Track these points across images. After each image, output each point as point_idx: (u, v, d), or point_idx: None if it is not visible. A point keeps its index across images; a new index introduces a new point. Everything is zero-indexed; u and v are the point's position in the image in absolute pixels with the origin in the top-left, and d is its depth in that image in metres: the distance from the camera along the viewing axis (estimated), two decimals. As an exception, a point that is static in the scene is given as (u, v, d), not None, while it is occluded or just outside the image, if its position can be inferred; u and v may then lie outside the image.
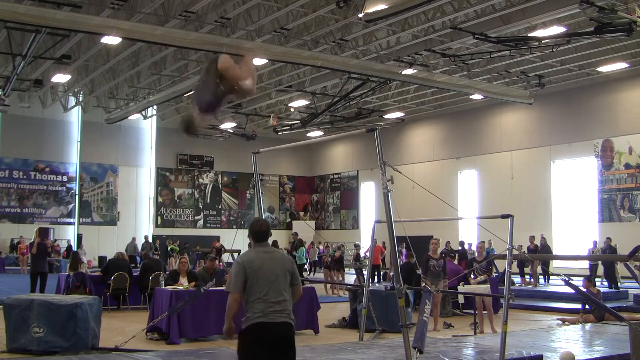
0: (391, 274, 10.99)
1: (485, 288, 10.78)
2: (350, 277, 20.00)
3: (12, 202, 29.25)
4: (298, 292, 4.86)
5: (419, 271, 12.64)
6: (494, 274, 16.47)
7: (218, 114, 5.15)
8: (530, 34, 17.88)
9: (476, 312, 10.71)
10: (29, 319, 7.94)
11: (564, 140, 24.77)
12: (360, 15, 14.93)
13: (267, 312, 4.55)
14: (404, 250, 20.28)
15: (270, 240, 5.02)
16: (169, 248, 27.33)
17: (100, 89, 26.90)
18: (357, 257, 21.33)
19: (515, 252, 9.48)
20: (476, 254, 12.90)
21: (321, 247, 28.36)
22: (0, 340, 8.36)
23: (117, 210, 31.37)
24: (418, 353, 6.84)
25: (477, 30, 17.41)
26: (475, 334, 10.28)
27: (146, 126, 32.67)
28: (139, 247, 27.35)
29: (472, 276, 11.14)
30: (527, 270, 21.15)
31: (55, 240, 28.47)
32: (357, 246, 24.80)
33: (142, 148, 32.56)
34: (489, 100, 25.63)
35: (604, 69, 21.72)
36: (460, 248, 20.43)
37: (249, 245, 5.11)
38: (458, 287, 11.31)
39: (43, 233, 15.14)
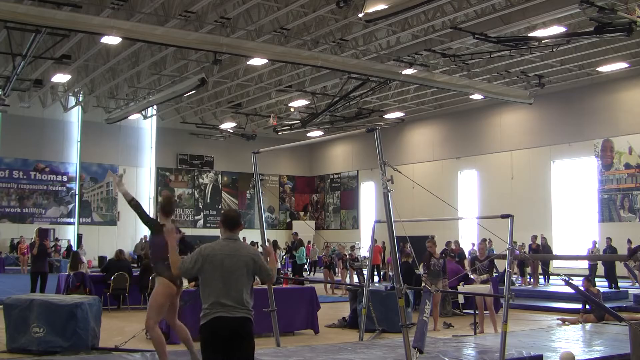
0: (391, 274, 11.00)
1: (487, 288, 10.77)
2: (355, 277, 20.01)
3: (12, 202, 29.25)
4: (268, 280, 5.09)
5: (419, 271, 12.65)
6: (494, 274, 16.48)
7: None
8: (530, 34, 17.87)
9: (476, 312, 10.71)
10: (29, 319, 7.94)
11: (564, 140, 24.77)
12: (360, 15, 14.92)
13: (226, 306, 4.61)
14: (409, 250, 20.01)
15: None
16: None
17: (100, 89, 26.90)
18: (354, 258, 21.29)
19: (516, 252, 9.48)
20: (477, 253, 12.87)
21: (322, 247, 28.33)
22: (0, 340, 8.36)
23: (117, 210, 31.36)
24: (418, 353, 6.84)
25: (477, 30, 17.41)
26: (475, 333, 10.28)
27: (146, 126, 32.67)
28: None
29: (471, 276, 11.11)
30: (527, 270, 21.15)
31: (57, 239, 28.47)
32: (353, 247, 24.72)
33: (142, 148, 32.56)
34: (489, 100, 25.63)
35: (604, 69, 21.71)
36: (454, 247, 20.38)
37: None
38: (458, 287, 11.30)
39: (43, 234, 15.12)
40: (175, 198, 7.28)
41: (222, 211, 5.14)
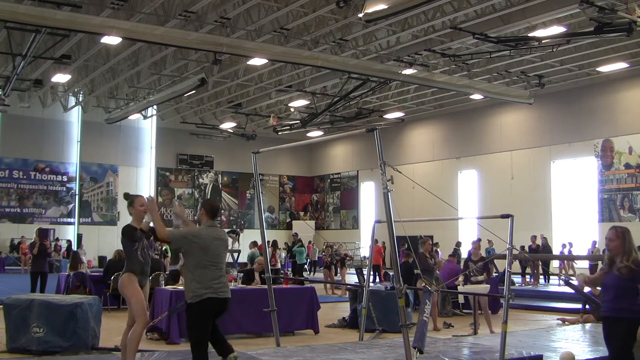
0: (391, 274, 11.01)
1: (485, 288, 10.77)
2: (352, 277, 20.00)
3: (12, 202, 29.26)
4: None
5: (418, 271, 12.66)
6: (494, 274, 16.47)
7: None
8: (530, 34, 17.87)
9: (481, 312, 10.70)
10: (29, 319, 7.93)
11: (564, 140, 24.77)
12: (360, 15, 14.91)
13: (215, 288, 5.58)
14: (439, 251, 19.83)
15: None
16: (163, 249, 26.53)
17: (100, 89, 26.91)
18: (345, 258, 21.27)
19: (515, 252, 9.48)
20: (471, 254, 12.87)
21: (322, 247, 28.32)
22: (0, 340, 8.36)
23: (117, 210, 31.37)
24: (418, 353, 6.83)
25: (477, 30, 17.41)
26: (475, 333, 10.28)
27: (146, 126, 32.67)
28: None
29: (463, 279, 11.06)
30: (527, 270, 21.16)
31: (57, 239, 28.46)
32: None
33: (142, 148, 32.57)
34: (489, 100, 25.63)
35: (604, 69, 21.71)
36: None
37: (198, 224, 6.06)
38: (458, 287, 11.30)
39: (43, 233, 15.12)
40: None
41: (205, 200, 6.31)
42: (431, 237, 24.67)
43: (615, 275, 5.34)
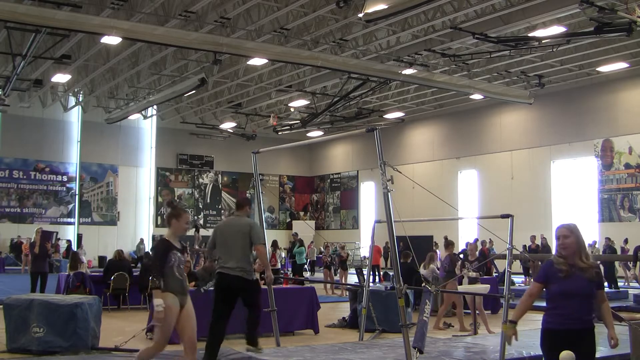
0: (391, 274, 11.01)
1: (485, 288, 10.77)
2: (352, 277, 19.98)
3: (12, 202, 29.25)
4: (257, 250, 6.94)
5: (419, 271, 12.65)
6: (494, 274, 16.48)
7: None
8: (530, 34, 17.87)
9: (477, 312, 10.71)
10: (29, 319, 7.93)
11: (564, 140, 24.77)
12: (360, 15, 14.92)
13: (224, 265, 6.74)
14: (437, 251, 19.54)
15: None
16: None
17: (100, 89, 26.91)
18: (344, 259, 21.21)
19: (516, 252, 9.46)
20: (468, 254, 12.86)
21: (321, 247, 28.29)
22: (0, 340, 8.36)
23: (117, 210, 31.38)
24: (418, 353, 6.83)
25: (477, 30, 17.41)
26: (475, 333, 10.28)
27: (146, 126, 32.67)
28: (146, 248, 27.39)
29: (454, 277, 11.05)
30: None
31: (58, 239, 28.42)
32: (343, 247, 24.50)
33: (142, 148, 32.56)
34: (489, 100, 25.63)
35: (604, 69, 21.71)
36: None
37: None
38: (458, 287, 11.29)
39: (46, 236, 15.01)
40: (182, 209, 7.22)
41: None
42: (431, 237, 24.75)
43: (583, 279, 4.43)
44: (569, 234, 4.44)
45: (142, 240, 30.02)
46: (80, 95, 29.01)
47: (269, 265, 7.72)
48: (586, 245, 4.31)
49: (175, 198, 33.19)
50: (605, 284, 18.83)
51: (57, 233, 28.59)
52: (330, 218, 36.79)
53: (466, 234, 25.75)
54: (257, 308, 7.04)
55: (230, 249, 6.76)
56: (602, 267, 19.31)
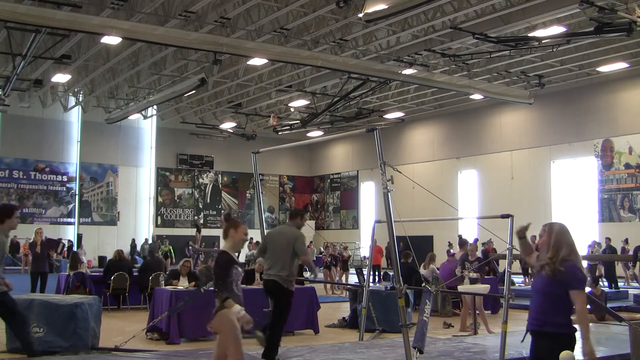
0: (391, 274, 11.01)
1: (485, 288, 10.77)
2: (352, 277, 19.99)
3: (12, 202, 29.15)
4: (302, 261, 7.55)
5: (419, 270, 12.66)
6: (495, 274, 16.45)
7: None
8: (530, 34, 17.87)
9: (477, 312, 10.70)
10: (29, 319, 7.93)
11: (564, 140, 24.76)
12: (360, 15, 14.92)
13: (268, 271, 7.30)
14: (451, 250, 19.45)
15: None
16: (164, 251, 24.20)
17: (100, 89, 26.90)
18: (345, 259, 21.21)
19: (516, 252, 9.46)
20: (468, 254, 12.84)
21: (321, 248, 28.27)
22: (0, 341, 8.36)
23: (117, 210, 31.38)
24: (418, 353, 6.84)
25: (477, 30, 17.41)
26: (475, 333, 10.27)
27: (146, 126, 32.67)
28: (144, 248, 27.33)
29: (463, 273, 11.07)
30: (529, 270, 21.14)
31: (60, 239, 28.39)
32: (346, 248, 24.49)
33: (142, 148, 32.56)
34: (489, 100, 25.63)
35: (604, 69, 21.71)
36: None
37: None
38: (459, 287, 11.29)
39: (51, 243, 14.96)
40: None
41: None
42: (431, 237, 24.77)
43: (542, 277, 4.28)
44: (542, 233, 4.39)
45: (146, 240, 29.92)
46: (80, 95, 29.01)
47: (314, 267, 8.60)
48: (574, 245, 4.27)
49: (175, 198, 33.12)
50: (606, 284, 18.83)
51: (61, 240, 28.56)
52: (330, 218, 36.79)
53: (466, 234, 25.70)
54: (281, 319, 7.21)
55: (274, 255, 7.28)
56: (602, 268, 19.42)
